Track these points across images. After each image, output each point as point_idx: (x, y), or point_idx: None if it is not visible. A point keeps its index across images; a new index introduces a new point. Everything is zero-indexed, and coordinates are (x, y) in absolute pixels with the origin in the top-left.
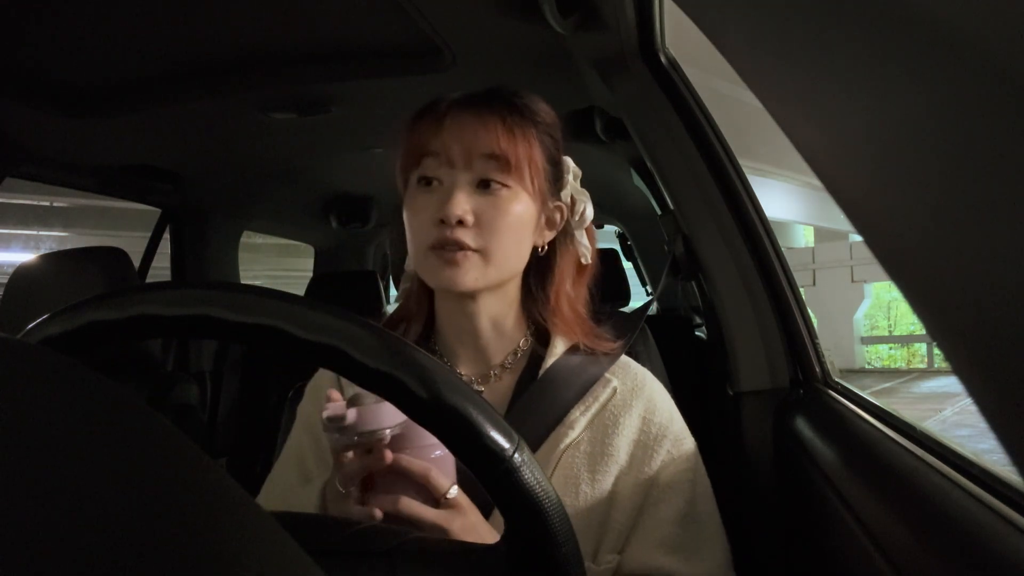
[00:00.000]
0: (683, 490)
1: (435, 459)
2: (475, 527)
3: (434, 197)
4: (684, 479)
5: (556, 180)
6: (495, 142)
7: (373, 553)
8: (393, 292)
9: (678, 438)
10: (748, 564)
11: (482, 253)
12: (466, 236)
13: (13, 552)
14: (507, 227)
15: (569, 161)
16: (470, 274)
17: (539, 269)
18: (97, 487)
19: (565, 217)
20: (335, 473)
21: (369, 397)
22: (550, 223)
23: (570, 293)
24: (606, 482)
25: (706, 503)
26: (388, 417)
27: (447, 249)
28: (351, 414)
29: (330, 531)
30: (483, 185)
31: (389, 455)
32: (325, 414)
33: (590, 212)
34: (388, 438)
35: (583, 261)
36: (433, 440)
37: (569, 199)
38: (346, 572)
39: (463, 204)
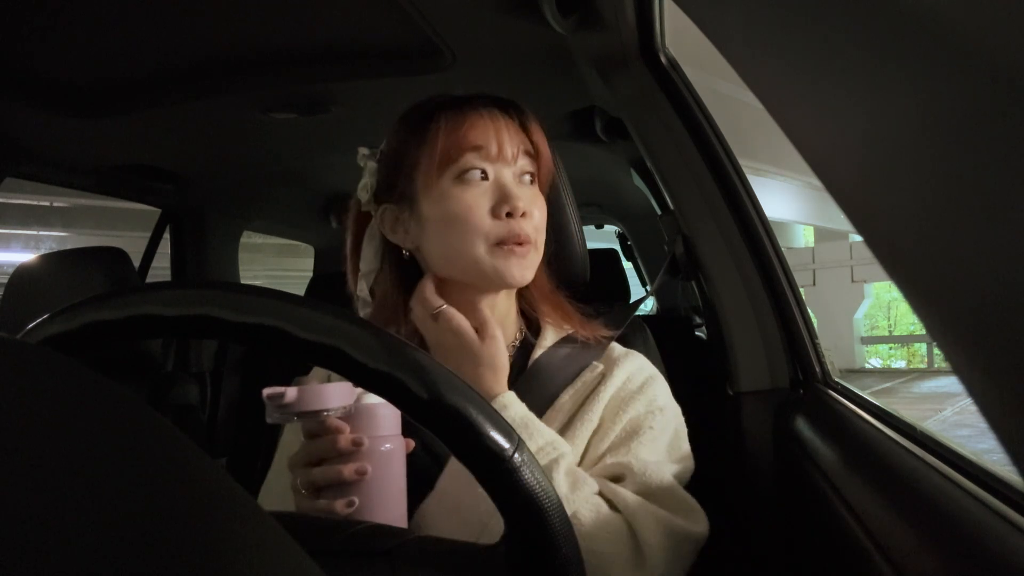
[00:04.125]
0: (656, 437)
1: (385, 452)
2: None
3: (486, 191)
4: (660, 430)
5: None
6: (531, 136)
7: (373, 553)
8: None
9: (653, 398)
10: (748, 563)
11: (534, 245)
12: (529, 228)
13: (13, 552)
14: (544, 218)
15: None
16: (531, 266)
17: None
18: (97, 487)
19: None
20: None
21: (316, 381)
22: None
23: (545, 273)
24: (580, 445)
25: (682, 458)
26: (332, 399)
27: (516, 243)
28: (291, 393)
29: (330, 531)
30: (525, 179)
31: (343, 435)
32: (266, 392)
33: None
34: (328, 420)
35: None
36: (385, 432)
37: None
38: (346, 572)
39: (524, 197)
